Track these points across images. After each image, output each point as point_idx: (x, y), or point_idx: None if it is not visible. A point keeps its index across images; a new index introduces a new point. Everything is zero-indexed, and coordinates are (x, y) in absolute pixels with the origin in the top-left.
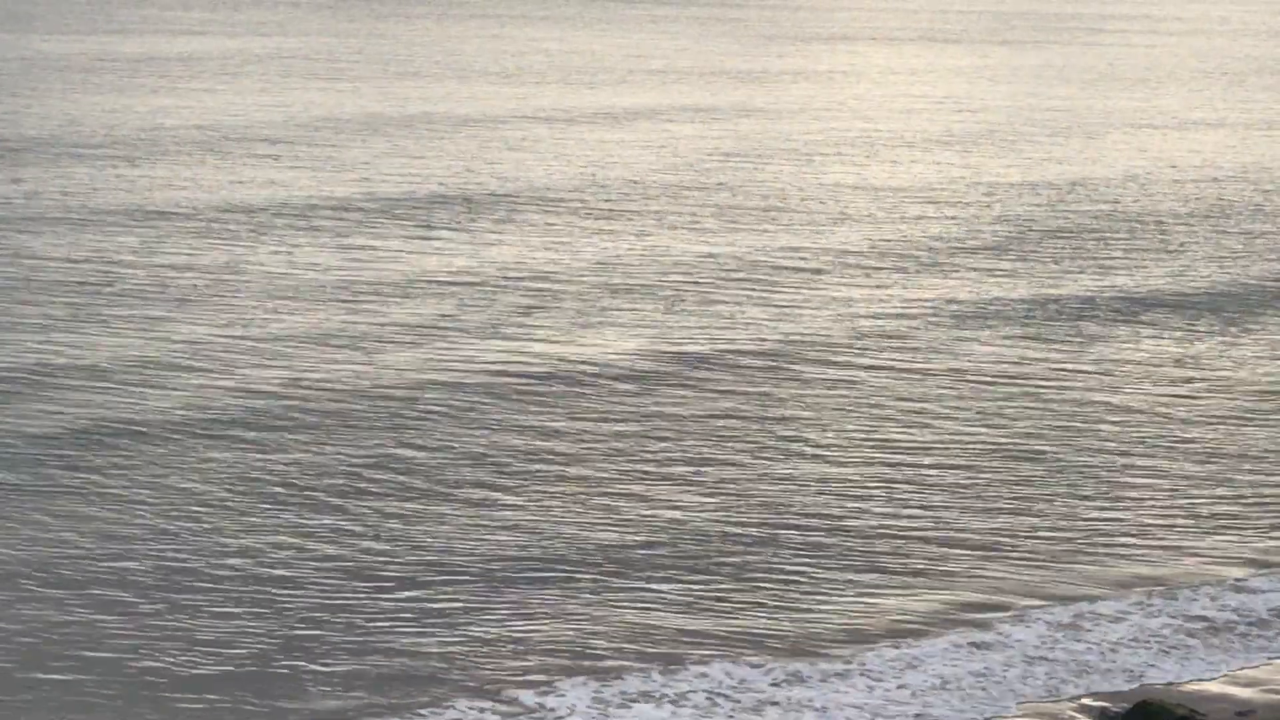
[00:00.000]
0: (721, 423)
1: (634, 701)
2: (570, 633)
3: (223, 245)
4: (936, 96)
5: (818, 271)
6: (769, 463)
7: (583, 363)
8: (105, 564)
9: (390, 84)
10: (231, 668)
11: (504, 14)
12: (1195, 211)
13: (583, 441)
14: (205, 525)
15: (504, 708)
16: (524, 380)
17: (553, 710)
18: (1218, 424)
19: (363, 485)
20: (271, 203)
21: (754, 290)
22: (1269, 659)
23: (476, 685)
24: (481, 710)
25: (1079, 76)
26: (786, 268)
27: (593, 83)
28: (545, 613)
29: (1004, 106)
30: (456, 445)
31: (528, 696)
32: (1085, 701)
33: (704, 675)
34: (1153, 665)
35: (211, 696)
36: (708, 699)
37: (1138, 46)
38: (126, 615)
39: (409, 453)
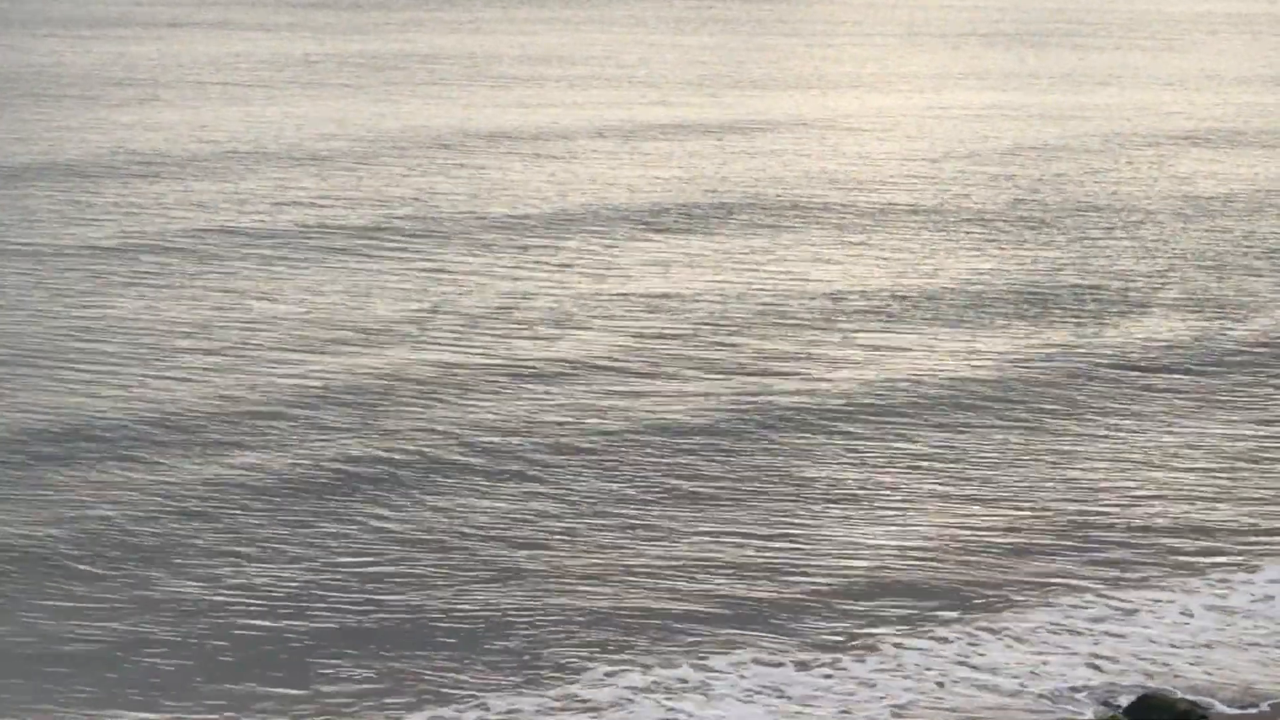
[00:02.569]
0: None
1: (686, 692)
2: (614, 627)
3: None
4: (936, 105)
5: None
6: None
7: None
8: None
9: (395, 91)
10: (264, 663)
11: (480, 17)
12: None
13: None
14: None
15: (551, 701)
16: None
17: (608, 700)
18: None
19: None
20: (312, 226)
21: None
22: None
23: (518, 677)
24: (527, 698)
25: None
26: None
27: (565, 83)
28: (588, 608)
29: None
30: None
31: (577, 688)
32: (1086, 696)
33: (745, 665)
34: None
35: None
36: (752, 689)
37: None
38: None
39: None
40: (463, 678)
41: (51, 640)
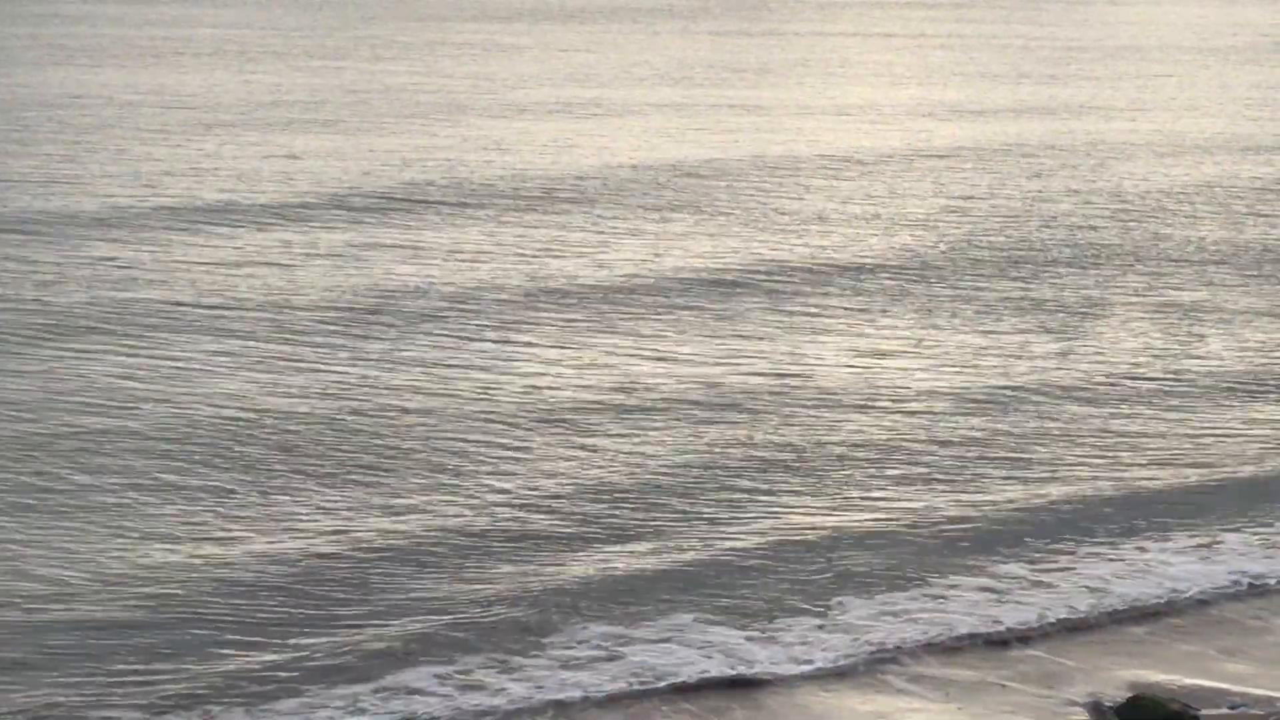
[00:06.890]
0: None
1: (642, 644)
2: (590, 588)
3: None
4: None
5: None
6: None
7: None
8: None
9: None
10: (256, 626)
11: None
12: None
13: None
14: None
15: (515, 657)
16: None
17: (568, 656)
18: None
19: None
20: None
21: None
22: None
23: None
24: (489, 655)
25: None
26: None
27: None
28: (573, 575)
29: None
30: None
31: (535, 638)
32: (1076, 694)
33: (695, 624)
34: None
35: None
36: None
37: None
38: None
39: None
40: (456, 639)
41: None
